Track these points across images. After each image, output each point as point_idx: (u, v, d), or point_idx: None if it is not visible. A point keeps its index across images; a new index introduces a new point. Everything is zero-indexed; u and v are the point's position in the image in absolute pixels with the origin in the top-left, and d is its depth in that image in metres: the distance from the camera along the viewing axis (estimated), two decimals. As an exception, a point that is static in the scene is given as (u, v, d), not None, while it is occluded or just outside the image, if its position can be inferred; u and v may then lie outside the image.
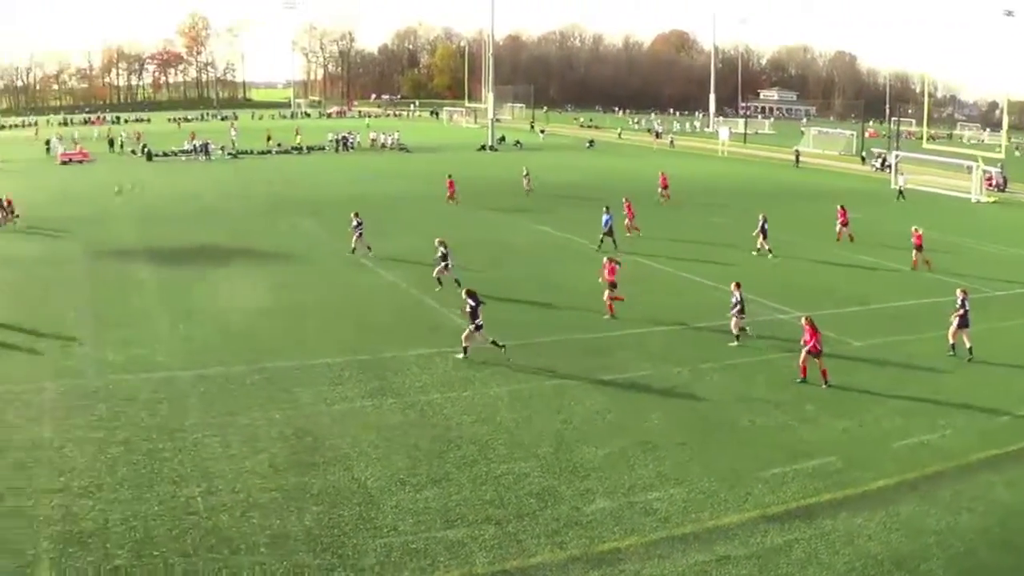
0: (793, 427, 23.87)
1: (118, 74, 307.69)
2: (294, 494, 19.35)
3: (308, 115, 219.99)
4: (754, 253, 46.70)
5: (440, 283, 37.29)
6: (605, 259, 35.16)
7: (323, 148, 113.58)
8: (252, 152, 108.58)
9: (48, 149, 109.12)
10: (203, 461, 21.04)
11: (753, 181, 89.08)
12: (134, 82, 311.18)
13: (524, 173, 71.86)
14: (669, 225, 56.51)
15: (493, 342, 28.67)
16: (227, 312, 34.66)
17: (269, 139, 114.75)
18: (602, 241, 46.23)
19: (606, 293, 34.24)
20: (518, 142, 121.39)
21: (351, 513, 18.55)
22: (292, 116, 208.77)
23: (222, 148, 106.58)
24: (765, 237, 46.88)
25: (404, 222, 56.65)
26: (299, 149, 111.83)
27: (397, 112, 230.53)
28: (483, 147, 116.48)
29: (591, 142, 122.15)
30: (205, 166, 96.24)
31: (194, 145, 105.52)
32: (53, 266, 43.12)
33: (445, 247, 37.39)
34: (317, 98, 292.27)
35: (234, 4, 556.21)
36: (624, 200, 52.38)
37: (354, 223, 44.72)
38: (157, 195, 70.57)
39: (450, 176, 65.28)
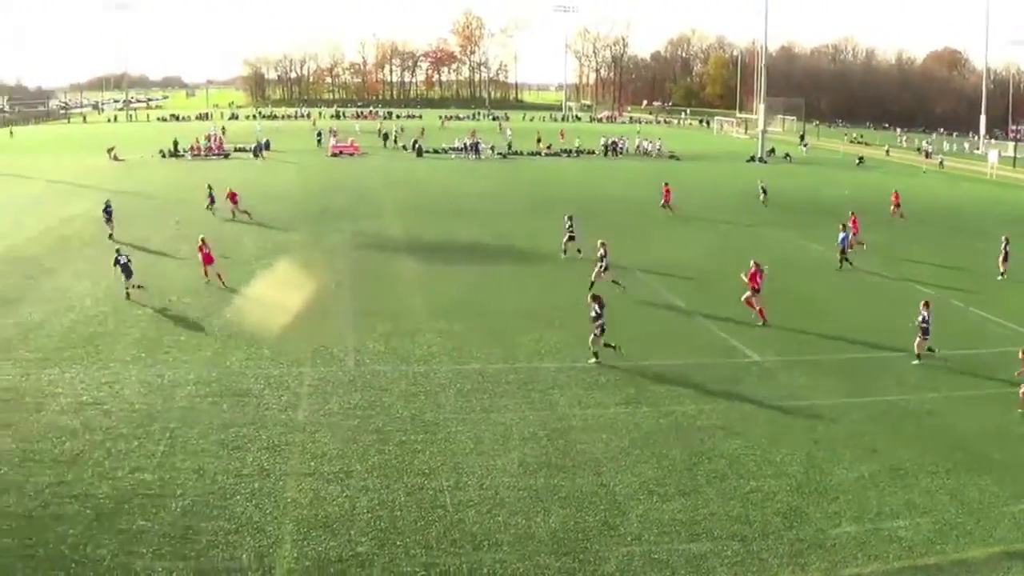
0: (1042, 462, 22.60)
1: (391, 70, 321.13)
2: (541, 495, 19.62)
3: (579, 119, 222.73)
4: (998, 278, 43.95)
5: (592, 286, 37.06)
6: (752, 263, 35.14)
7: (592, 152, 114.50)
8: (521, 153, 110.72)
9: (319, 141, 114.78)
10: (453, 456, 21.63)
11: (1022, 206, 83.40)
12: (407, 79, 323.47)
13: (760, 185, 70.94)
14: (931, 248, 53.17)
15: (607, 344, 28.99)
16: (487, 310, 35.49)
17: (539, 140, 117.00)
18: (841, 261, 44.88)
19: (746, 295, 34.74)
20: (787, 155, 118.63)
21: (596, 519, 18.66)
22: (563, 119, 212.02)
23: (492, 148, 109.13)
24: (1006, 260, 44.36)
25: (667, 229, 56.50)
26: (568, 152, 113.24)
27: (667, 120, 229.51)
28: (752, 158, 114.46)
29: (861, 159, 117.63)
30: (475, 165, 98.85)
31: (464, 143, 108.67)
32: (320, 256, 45.57)
33: (605, 249, 38.25)
34: (588, 102, 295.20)
35: (509, 5, 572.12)
36: (850, 214, 50.25)
37: (567, 225, 45.86)
38: (425, 191, 73.14)
39: (666, 183, 64.43)
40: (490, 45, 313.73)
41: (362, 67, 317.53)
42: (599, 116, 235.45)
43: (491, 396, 25.79)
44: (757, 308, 34.61)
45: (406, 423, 23.57)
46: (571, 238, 45.43)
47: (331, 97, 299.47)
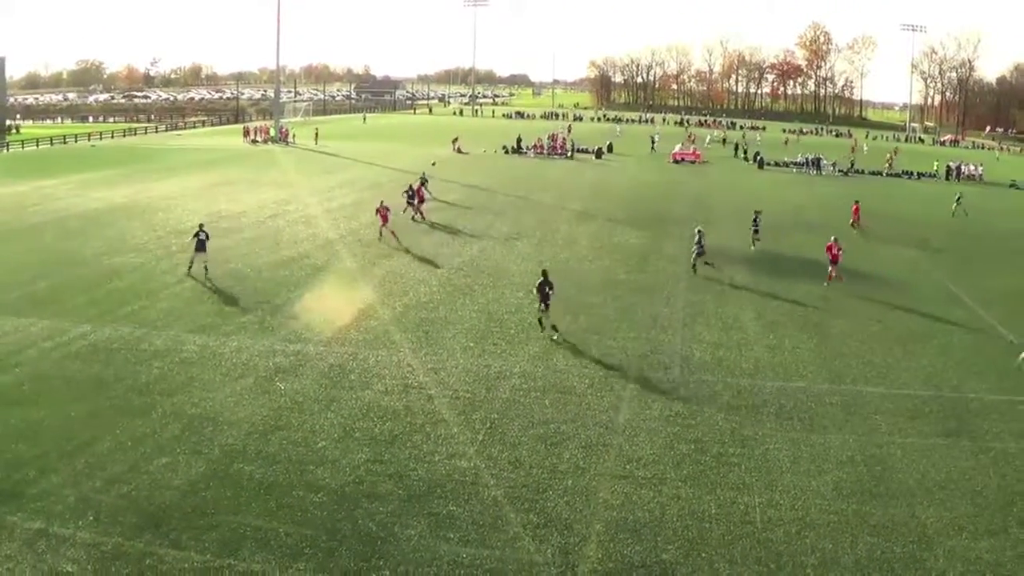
0: None
1: (737, 80, 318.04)
2: (851, 521, 19.13)
3: (921, 140, 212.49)
4: None
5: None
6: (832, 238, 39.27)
7: (933, 175, 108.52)
8: (862, 171, 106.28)
9: (652, 147, 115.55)
10: (768, 473, 21.40)
11: None
12: (751, 89, 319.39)
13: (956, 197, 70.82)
14: None
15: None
16: (817, 327, 34.69)
17: (887, 160, 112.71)
18: None
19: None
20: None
21: (903, 551, 18.05)
22: (906, 140, 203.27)
23: (833, 164, 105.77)
24: None
25: (996, 261, 53.50)
26: (909, 173, 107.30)
27: (1011, 147, 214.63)
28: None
29: None
30: (814, 180, 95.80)
31: (806, 159, 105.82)
32: (655, 259, 46.08)
33: (700, 235, 42.99)
34: (932, 124, 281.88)
35: (856, 21, 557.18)
36: None
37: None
38: (763, 204, 71.94)
39: (856, 202, 62.07)
40: (836, 60, 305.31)
41: (708, 75, 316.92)
42: (942, 139, 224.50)
43: (812, 416, 25.27)
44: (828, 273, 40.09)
45: (725, 435, 23.53)
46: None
47: (676, 104, 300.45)
